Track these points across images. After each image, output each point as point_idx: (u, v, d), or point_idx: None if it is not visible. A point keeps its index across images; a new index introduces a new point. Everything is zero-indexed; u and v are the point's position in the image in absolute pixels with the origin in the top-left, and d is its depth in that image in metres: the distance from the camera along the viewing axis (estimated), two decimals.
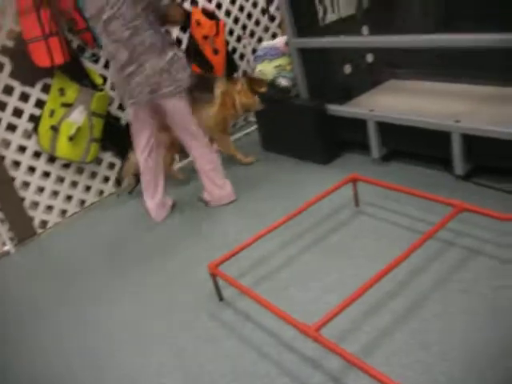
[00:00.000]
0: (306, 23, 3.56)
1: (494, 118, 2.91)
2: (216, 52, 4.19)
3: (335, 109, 3.58)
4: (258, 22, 4.67)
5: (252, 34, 4.68)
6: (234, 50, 4.59)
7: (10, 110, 3.61)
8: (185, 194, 3.84)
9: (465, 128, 2.89)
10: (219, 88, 3.75)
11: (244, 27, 4.62)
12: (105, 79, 3.91)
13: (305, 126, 3.66)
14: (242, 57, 4.65)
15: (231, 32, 4.53)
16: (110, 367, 2.40)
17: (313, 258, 2.75)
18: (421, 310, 2.23)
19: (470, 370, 1.87)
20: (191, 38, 4.13)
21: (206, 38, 4.13)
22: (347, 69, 3.97)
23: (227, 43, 4.41)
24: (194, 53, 4.10)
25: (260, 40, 4.71)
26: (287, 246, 2.89)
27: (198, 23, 4.09)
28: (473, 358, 1.91)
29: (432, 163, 3.26)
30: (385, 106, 3.48)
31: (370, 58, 4.12)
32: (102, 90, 3.81)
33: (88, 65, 3.81)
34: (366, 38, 3.39)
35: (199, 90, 3.61)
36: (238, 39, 4.60)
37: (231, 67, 4.36)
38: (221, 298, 2.60)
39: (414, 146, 3.29)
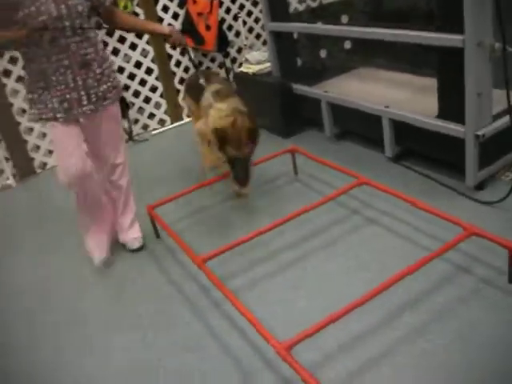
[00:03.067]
0: (281, 9, 3.94)
1: (423, 107, 3.22)
2: (208, 28, 4.63)
3: (298, 88, 3.97)
4: (256, 3, 5.05)
5: (249, 14, 5.07)
6: (231, 27, 4.99)
7: None
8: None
9: (392, 113, 3.25)
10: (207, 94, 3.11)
11: (242, 7, 5.01)
12: None
13: (272, 102, 4.07)
14: (237, 34, 5.05)
15: (228, 10, 4.93)
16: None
17: (235, 212, 3.22)
18: (303, 262, 2.66)
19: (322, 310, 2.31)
20: (187, 14, 4.58)
21: (200, 14, 4.58)
22: (323, 53, 4.34)
23: (222, 21, 4.83)
24: (188, 27, 4.56)
25: (257, 20, 5.10)
26: (222, 201, 3.36)
27: (194, 1, 4.54)
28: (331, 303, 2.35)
29: (374, 144, 3.61)
30: (343, 90, 3.84)
31: (347, 44, 4.47)
32: None
33: None
34: (324, 27, 3.70)
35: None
36: (235, 18, 4.99)
37: (223, 43, 4.79)
38: (157, 236, 3.10)
39: (359, 127, 3.66)
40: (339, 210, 3.01)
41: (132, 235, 3.03)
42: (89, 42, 2.51)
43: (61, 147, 2.59)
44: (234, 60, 5.02)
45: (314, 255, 2.69)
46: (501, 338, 2.00)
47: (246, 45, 4.99)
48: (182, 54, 4.64)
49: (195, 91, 3.30)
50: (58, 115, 2.52)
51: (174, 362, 2.21)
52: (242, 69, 4.37)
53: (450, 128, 2.91)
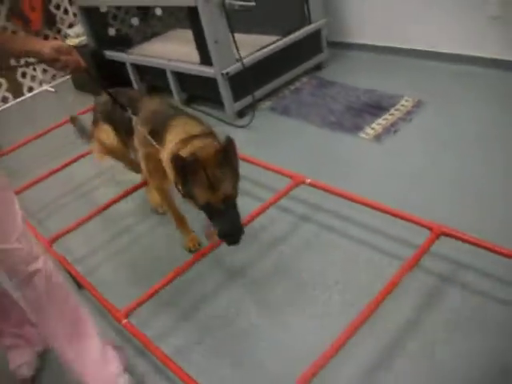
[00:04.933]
0: None
1: (195, 57, 3.92)
2: (33, 9, 5.13)
3: (110, 54, 4.60)
4: None
5: None
6: (58, 6, 5.49)
7: None
8: None
9: (171, 66, 3.95)
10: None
11: None
12: None
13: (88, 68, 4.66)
14: (66, 11, 5.56)
15: None
16: None
17: None
18: None
19: None
20: None
21: None
22: (135, 21, 4.96)
23: (49, 0, 5.33)
24: (13, 8, 5.04)
25: None
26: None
27: None
28: None
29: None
30: (149, 51, 4.48)
31: (158, 11, 5.10)
32: None
33: None
34: None
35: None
36: None
37: (50, 21, 5.31)
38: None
39: (159, 81, 4.34)
40: None
41: None
42: None
43: None
44: (66, 36, 5.53)
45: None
46: None
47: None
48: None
49: (116, 116, 2.46)
50: None
51: None
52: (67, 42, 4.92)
53: (206, 71, 3.64)
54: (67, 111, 4.23)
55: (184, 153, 1.85)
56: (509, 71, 3.51)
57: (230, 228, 1.83)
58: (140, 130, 2.17)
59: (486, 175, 2.62)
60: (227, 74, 3.53)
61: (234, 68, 3.56)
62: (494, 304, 1.95)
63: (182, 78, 4.01)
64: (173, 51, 4.26)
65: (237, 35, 3.67)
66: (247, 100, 3.73)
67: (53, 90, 5.39)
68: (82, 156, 3.30)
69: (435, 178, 2.71)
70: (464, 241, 2.02)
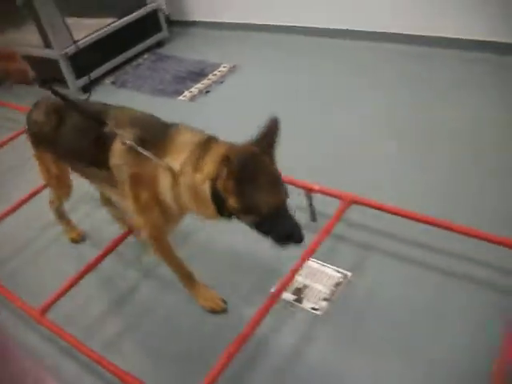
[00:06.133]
0: None
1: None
2: None
3: None
4: None
5: None
6: None
7: None
8: None
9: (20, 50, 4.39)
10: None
11: None
12: None
13: None
14: None
15: None
16: None
17: None
18: None
19: None
20: None
21: None
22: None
23: None
24: None
25: None
26: None
27: None
28: None
29: None
30: (4, 39, 4.89)
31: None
32: None
33: None
34: None
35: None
36: None
37: None
38: None
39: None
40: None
41: None
42: None
43: None
44: None
45: None
46: None
47: None
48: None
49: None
50: None
51: None
52: None
53: (48, 53, 4.14)
54: None
55: (236, 150, 1.51)
56: (314, 36, 4.29)
57: (298, 227, 1.51)
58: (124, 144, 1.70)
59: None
60: (66, 54, 4.05)
61: (72, 49, 4.08)
62: None
63: (35, 62, 4.45)
64: (23, 38, 4.70)
65: (76, 19, 4.22)
66: (90, 77, 4.26)
67: None
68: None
69: (233, 126, 3.36)
70: None
